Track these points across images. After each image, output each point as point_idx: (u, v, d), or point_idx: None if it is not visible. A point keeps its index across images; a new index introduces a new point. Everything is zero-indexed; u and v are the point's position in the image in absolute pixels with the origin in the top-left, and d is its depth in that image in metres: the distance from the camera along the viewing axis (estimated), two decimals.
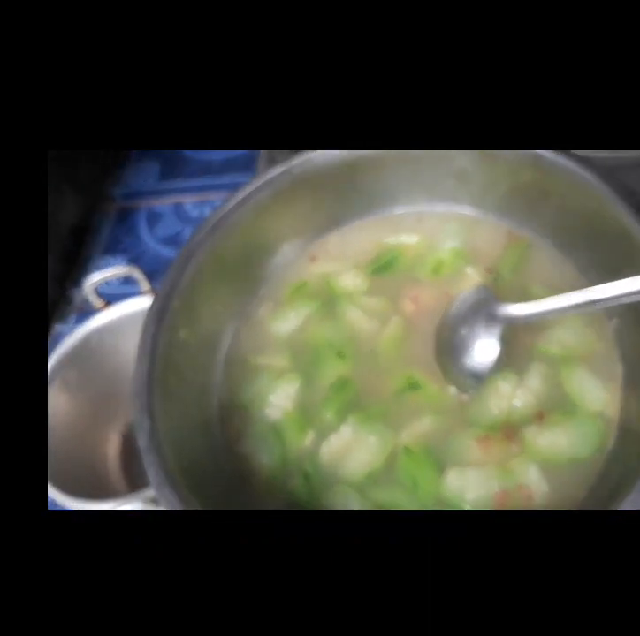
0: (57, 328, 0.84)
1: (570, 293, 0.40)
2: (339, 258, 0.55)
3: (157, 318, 0.44)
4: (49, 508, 0.64)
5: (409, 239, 0.55)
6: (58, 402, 0.63)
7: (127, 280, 0.85)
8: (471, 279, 0.51)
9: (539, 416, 0.44)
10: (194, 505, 0.37)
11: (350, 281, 0.53)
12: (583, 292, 0.39)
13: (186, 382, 0.46)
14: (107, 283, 0.85)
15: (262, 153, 0.72)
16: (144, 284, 0.66)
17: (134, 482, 0.65)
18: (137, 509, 0.49)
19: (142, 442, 0.38)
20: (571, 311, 0.40)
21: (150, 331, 0.43)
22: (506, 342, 0.44)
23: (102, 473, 0.66)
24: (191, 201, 0.90)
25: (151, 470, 0.38)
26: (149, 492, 0.50)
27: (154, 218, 0.90)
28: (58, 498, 0.52)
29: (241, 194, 0.49)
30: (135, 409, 0.39)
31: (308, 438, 0.46)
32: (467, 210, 0.54)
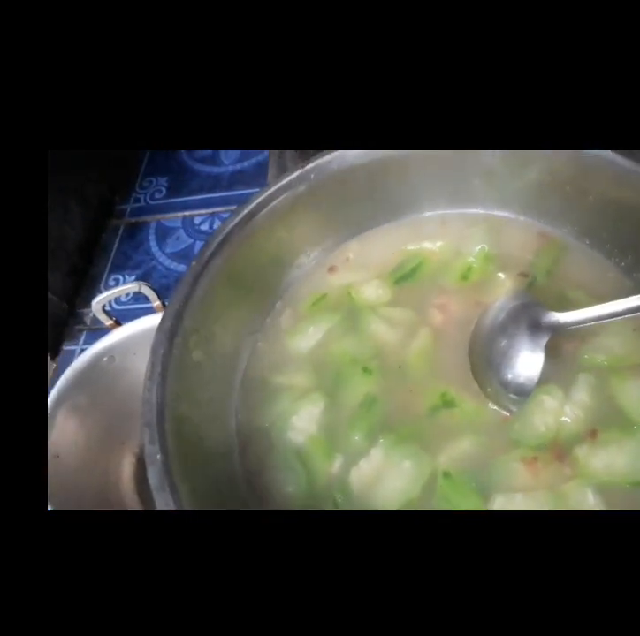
0: (67, 348, 0.82)
1: (628, 298, 0.36)
2: (359, 267, 0.52)
3: (167, 339, 0.40)
4: None
5: (434, 245, 0.52)
6: (67, 428, 0.60)
7: (139, 297, 0.83)
8: (503, 285, 0.48)
9: (592, 434, 0.40)
10: None
11: (372, 291, 0.50)
12: None
13: (202, 407, 0.43)
14: (117, 300, 0.84)
15: (271, 162, 0.69)
16: (155, 301, 0.63)
17: (150, 506, 0.62)
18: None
19: (154, 479, 0.35)
20: (628, 316, 0.36)
21: (160, 354, 0.39)
22: (548, 353, 0.40)
23: (116, 498, 0.63)
24: (200, 215, 0.89)
25: None
26: None
27: (163, 233, 0.89)
28: None
29: (254, 202, 0.46)
30: (146, 441, 0.36)
31: (336, 464, 0.42)
32: (494, 211, 0.51)
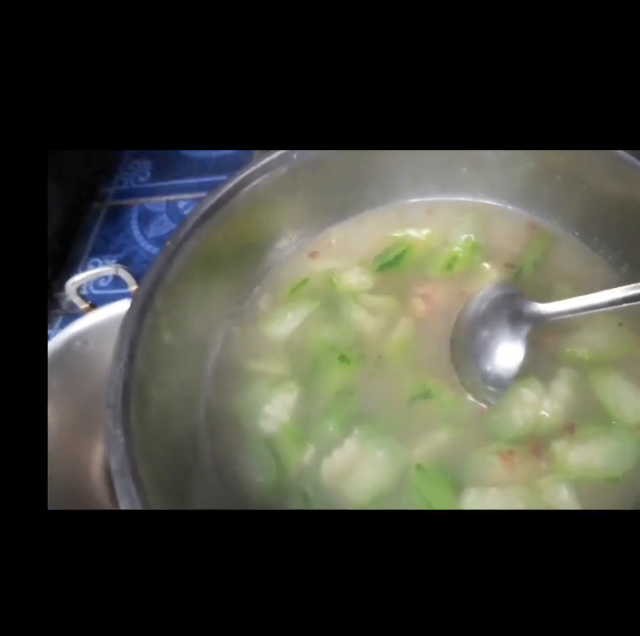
0: None
1: (609, 291, 0.35)
2: (341, 254, 0.51)
3: (137, 319, 0.39)
4: None
5: (419, 232, 0.50)
6: None
7: (118, 282, 0.81)
8: (489, 276, 0.47)
9: (570, 428, 0.39)
10: None
11: (354, 278, 0.49)
12: (622, 289, 0.35)
13: (171, 391, 0.41)
14: (95, 285, 0.82)
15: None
16: (132, 285, 0.62)
17: None
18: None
19: (115, 463, 0.33)
20: (608, 309, 0.35)
21: (129, 334, 0.38)
22: (530, 345, 0.39)
23: (85, 485, 0.62)
24: (185, 200, 0.87)
25: (125, 500, 0.32)
26: None
27: (146, 217, 0.87)
28: None
29: (233, 182, 0.44)
30: (109, 423, 0.34)
31: (308, 454, 0.41)
32: (482, 199, 0.50)
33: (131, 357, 0.37)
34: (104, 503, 0.61)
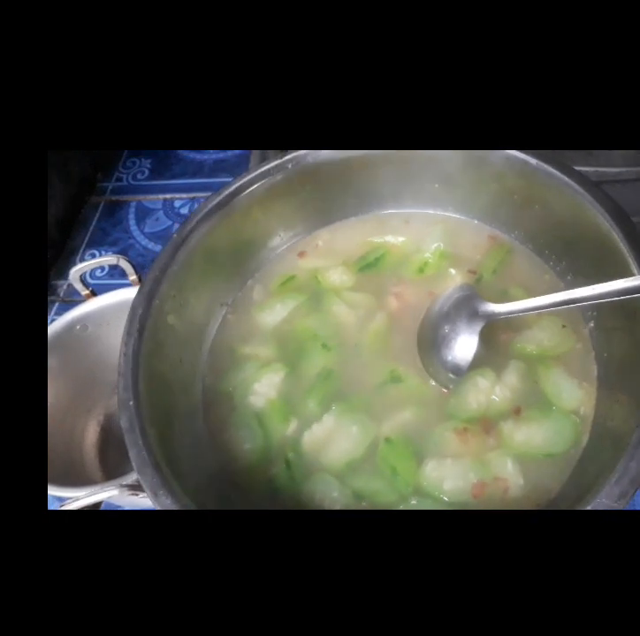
0: None
1: (550, 295, 0.41)
2: (327, 254, 0.56)
3: (146, 301, 0.44)
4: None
5: (396, 239, 0.56)
6: None
7: (114, 273, 0.85)
8: (454, 279, 0.52)
9: (516, 411, 0.45)
10: (175, 488, 0.37)
11: (337, 277, 0.54)
12: (561, 294, 0.41)
13: (172, 366, 0.46)
14: (92, 274, 0.86)
15: (254, 153, 0.73)
16: (132, 274, 0.66)
17: (111, 472, 0.64)
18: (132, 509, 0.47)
19: (125, 421, 0.38)
20: (549, 310, 0.41)
21: (138, 313, 0.43)
22: (486, 341, 0.45)
23: (78, 461, 0.65)
24: (181, 199, 0.91)
25: (133, 451, 0.37)
26: (124, 480, 0.49)
27: (143, 213, 0.90)
28: None
29: (234, 186, 0.50)
30: (120, 388, 0.39)
31: (291, 426, 0.46)
32: (452, 214, 0.56)
33: (140, 333, 0.42)
34: (96, 478, 0.65)
